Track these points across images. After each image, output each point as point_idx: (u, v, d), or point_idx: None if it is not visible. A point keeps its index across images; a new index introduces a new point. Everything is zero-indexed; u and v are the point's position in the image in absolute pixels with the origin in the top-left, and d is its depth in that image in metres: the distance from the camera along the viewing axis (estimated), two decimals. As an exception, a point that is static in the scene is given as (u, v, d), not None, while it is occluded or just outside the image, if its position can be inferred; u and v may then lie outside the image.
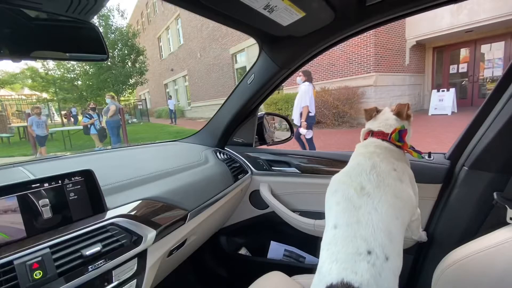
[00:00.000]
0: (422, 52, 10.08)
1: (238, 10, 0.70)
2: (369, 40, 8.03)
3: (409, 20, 8.97)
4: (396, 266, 0.59)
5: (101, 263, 0.59)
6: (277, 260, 1.35)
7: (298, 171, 1.23)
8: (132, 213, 0.70)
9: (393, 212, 0.64)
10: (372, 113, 0.86)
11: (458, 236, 0.85)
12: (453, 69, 9.74)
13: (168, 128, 13.32)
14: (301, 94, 4.22)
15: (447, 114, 8.32)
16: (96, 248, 0.58)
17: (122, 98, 19.59)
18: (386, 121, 0.81)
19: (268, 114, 1.62)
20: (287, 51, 1.00)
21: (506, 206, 0.71)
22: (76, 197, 0.63)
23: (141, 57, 16.20)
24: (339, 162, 1.14)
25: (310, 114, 4.25)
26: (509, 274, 0.64)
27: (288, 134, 1.79)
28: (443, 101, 8.56)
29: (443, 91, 8.69)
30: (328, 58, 9.13)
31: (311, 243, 1.23)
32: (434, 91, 8.99)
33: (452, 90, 8.51)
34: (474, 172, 0.83)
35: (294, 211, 1.20)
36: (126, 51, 15.19)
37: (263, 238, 1.42)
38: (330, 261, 0.59)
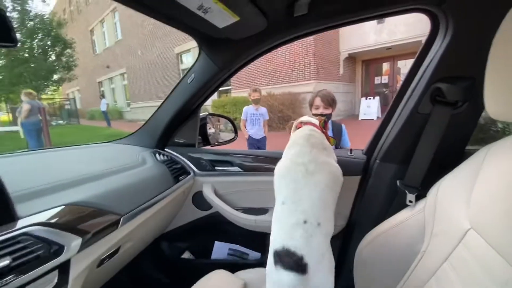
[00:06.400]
0: (353, 64, 11.39)
1: (174, 9, 0.70)
2: (309, 50, 8.72)
3: (342, 35, 10.08)
4: (326, 230, 0.70)
5: (10, 278, 0.51)
6: (221, 260, 1.35)
7: (241, 170, 1.27)
8: (52, 220, 0.62)
9: (327, 187, 0.75)
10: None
11: (373, 220, 1.00)
12: (377, 80, 11.29)
13: (102, 131, 11.87)
14: None
15: (373, 119, 9.56)
16: (5, 262, 0.50)
17: (44, 96, 16.89)
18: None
19: (211, 114, 1.62)
20: (225, 53, 1.03)
21: (406, 191, 0.87)
22: None
23: (68, 50, 14.22)
24: (278, 160, 1.21)
25: None
26: (409, 247, 0.78)
27: (233, 135, 1.82)
28: (370, 107, 9.81)
29: (370, 98, 9.98)
30: (273, 65, 9.55)
31: (254, 239, 1.27)
32: (363, 98, 10.23)
33: (377, 98, 9.84)
34: (383, 164, 0.98)
35: (237, 209, 1.22)
36: (49, 42, 13.16)
37: (207, 240, 1.41)
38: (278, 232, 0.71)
